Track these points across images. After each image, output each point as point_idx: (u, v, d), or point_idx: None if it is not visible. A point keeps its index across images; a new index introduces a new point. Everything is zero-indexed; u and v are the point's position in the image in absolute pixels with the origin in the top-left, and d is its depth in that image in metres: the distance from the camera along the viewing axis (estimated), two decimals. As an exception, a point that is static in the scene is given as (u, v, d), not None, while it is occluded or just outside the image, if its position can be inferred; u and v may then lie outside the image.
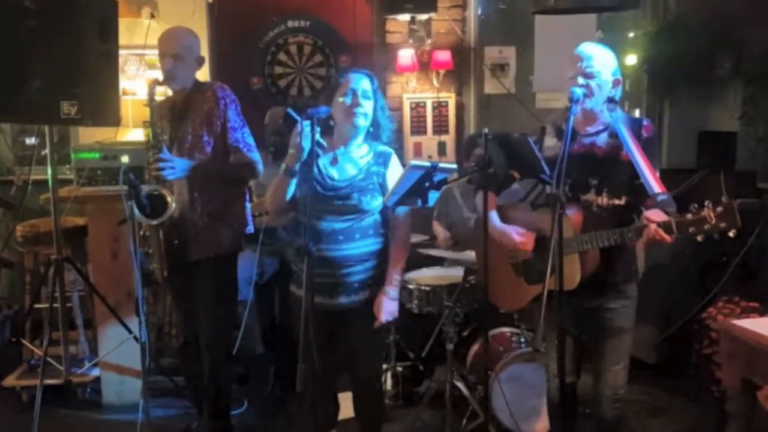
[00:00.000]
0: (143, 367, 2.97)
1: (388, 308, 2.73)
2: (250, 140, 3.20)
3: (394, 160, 2.81)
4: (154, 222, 2.98)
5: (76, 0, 3.22)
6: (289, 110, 2.65)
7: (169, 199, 2.97)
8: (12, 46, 3.09)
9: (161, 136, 3.04)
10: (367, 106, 2.70)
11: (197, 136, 3.10)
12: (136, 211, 2.85)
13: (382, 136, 2.79)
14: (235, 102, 3.16)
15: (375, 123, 2.76)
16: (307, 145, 2.47)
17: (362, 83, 2.70)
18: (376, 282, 2.76)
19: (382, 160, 2.77)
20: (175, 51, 3.09)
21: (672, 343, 4.21)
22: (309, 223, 2.43)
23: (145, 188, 2.94)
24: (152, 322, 4.23)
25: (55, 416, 3.79)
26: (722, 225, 2.23)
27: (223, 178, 3.17)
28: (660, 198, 2.34)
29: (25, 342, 4.14)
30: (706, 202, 2.26)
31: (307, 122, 2.47)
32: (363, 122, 2.70)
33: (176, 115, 3.15)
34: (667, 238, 2.32)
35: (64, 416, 3.85)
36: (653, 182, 2.37)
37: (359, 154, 2.77)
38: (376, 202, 2.71)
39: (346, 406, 2.98)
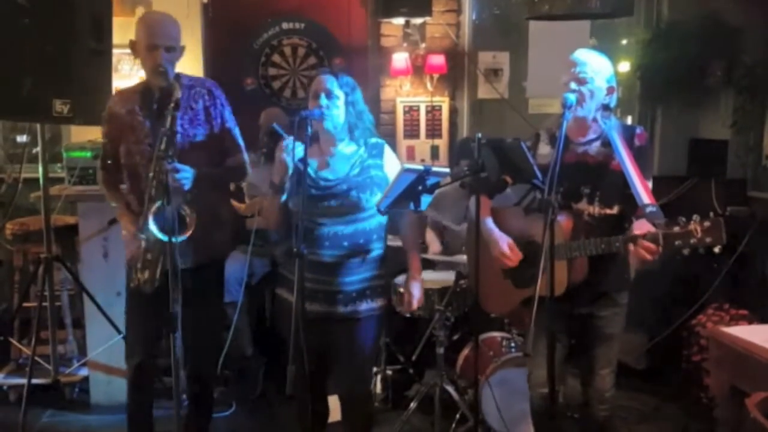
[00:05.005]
0: (131, 368, 2.95)
1: (417, 294, 2.81)
2: (241, 141, 3.16)
3: (388, 150, 2.76)
4: (175, 240, 2.67)
5: (70, -2, 3.21)
6: (275, 126, 2.63)
7: (188, 219, 2.72)
8: (5, 44, 3.07)
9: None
10: (333, 107, 2.62)
11: (189, 135, 2.90)
12: (154, 229, 2.68)
13: (355, 132, 2.69)
14: (227, 101, 3.08)
15: (348, 120, 2.68)
16: (291, 161, 2.46)
17: (325, 84, 2.63)
18: (373, 293, 2.72)
19: (376, 151, 2.71)
20: (168, 42, 2.77)
21: (661, 350, 4.22)
22: (302, 224, 2.41)
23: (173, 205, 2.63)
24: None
25: (42, 416, 3.77)
26: (708, 240, 2.22)
27: (217, 183, 3.12)
28: (649, 210, 2.33)
29: (13, 341, 4.11)
30: (694, 217, 2.25)
31: (290, 139, 2.45)
32: (332, 123, 2.63)
33: (158, 110, 2.82)
34: (652, 254, 2.31)
35: (52, 416, 3.82)
36: (643, 193, 2.36)
37: (349, 151, 2.71)
38: (375, 199, 2.63)
39: (336, 408, 2.97)
